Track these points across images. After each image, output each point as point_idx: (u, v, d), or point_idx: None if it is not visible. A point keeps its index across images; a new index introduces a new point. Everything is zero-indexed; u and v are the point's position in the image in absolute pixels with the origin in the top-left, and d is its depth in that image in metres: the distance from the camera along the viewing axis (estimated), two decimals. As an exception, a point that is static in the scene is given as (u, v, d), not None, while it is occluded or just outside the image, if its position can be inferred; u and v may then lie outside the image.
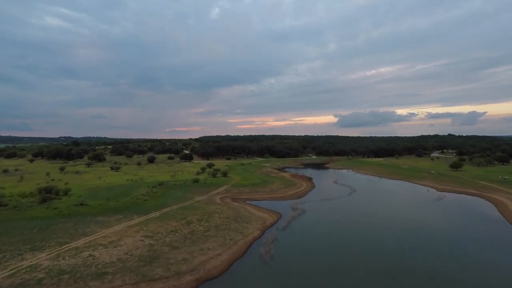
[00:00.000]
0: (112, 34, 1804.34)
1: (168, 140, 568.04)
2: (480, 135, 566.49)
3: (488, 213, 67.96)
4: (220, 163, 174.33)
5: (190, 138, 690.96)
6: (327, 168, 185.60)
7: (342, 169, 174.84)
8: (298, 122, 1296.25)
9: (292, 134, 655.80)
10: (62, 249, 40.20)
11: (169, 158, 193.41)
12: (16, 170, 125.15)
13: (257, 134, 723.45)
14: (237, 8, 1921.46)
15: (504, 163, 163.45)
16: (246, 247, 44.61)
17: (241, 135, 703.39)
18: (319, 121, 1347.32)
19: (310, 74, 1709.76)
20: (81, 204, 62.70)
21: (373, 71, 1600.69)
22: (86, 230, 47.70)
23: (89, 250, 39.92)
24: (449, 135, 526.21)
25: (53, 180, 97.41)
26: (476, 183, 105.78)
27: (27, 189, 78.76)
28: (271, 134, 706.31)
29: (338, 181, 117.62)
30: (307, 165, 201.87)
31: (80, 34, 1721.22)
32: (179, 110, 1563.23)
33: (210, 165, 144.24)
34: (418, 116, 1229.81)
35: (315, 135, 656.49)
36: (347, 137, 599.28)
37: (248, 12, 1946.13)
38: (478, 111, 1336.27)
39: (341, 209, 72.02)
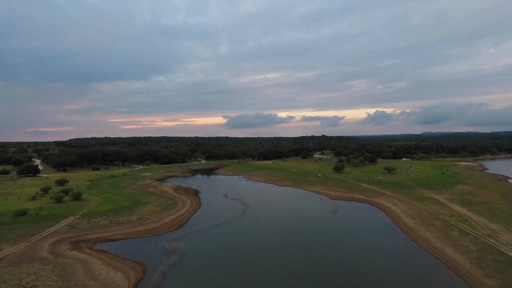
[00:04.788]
0: None
1: (20, 144, 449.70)
2: (343, 135, 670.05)
3: (384, 224, 63.38)
4: (81, 177, 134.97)
5: (56, 141, 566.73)
6: (217, 174, 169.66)
7: (233, 175, 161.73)
8: (189, 122, 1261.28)
9: (182, 136, 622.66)
10: None
11: (0, 172, 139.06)
12: None
13: (143, 135, 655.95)
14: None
15: (373, 162, 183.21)
16: None
17: (124, 136, 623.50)
18: (209, 122, 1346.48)
19: (202, 74, 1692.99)
20: None
21: (261, 76, 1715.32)
22: None
23: None
24: (323, 136, 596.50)
25: None
26: (359, 186, 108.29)
27: None
28: (159, 135, 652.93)
29: (229, 194, 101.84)
30: (195, 172, 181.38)
31: None
32: (45, 106, 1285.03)
33: (61, 182, 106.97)
34: (295, 118, 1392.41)
35: (205, 136, 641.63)
36: (237, 138, 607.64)
37: (135, 1, 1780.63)
38: (339, 115, 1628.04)
39: (233, 242, 54.78)
